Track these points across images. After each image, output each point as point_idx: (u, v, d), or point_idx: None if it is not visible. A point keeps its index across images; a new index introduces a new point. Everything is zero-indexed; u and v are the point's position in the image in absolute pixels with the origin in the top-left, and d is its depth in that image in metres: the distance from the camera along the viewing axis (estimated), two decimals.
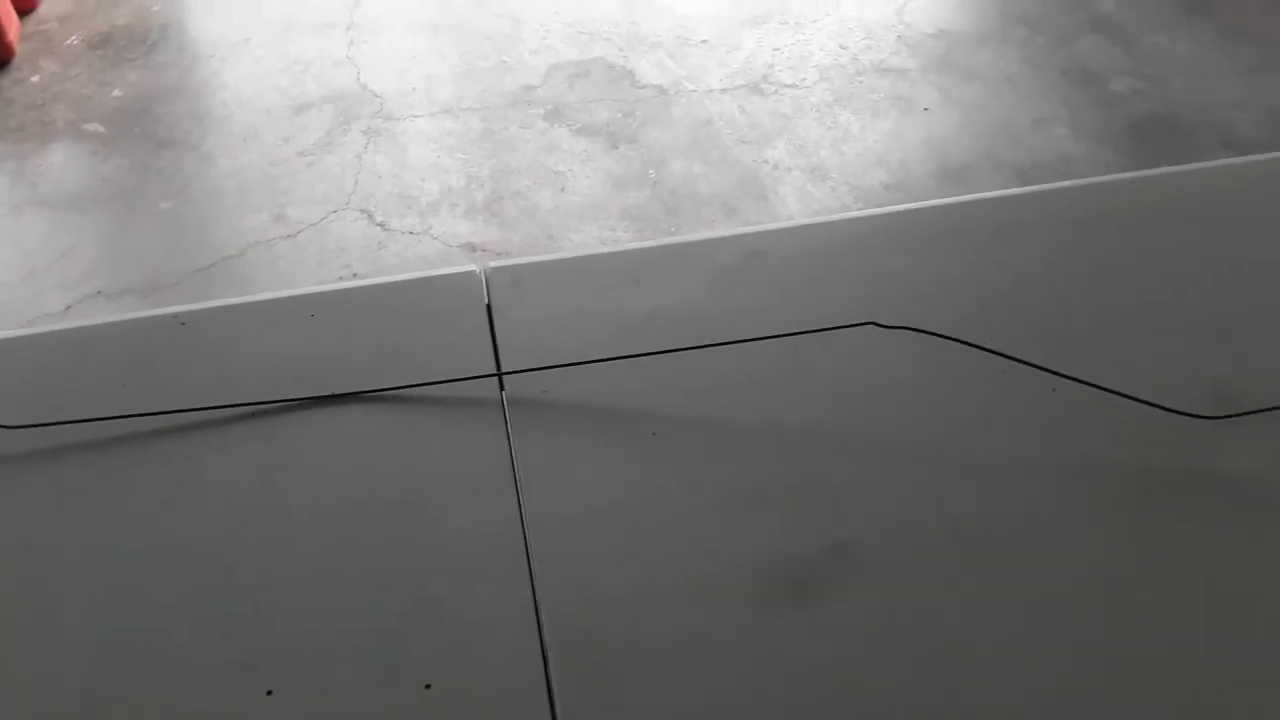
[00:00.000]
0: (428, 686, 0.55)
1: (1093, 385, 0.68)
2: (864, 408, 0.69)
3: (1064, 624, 0.57)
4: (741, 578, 0.60)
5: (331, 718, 0.54)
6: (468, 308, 0.76)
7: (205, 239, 2.34)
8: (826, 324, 0.72)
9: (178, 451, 0.66)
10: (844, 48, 2.84)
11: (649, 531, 0.62)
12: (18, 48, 2.91)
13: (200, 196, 2.47)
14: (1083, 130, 2.54)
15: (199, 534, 0.62)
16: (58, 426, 0.67)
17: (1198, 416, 0.66)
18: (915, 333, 0.71)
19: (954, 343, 0.70)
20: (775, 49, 2.85)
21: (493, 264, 0.79)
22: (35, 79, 2.83)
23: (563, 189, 2.43)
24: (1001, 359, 0.69)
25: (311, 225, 2.33)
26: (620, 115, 2.64)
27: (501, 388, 0.70)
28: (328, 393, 0.70)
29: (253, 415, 0.69)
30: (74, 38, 2.99)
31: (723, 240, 0.81)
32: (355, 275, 2.20)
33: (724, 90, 2.72)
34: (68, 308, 2.15)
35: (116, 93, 2.77)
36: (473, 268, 0.79)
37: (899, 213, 0.84)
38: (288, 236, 2.30)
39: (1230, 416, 0.66)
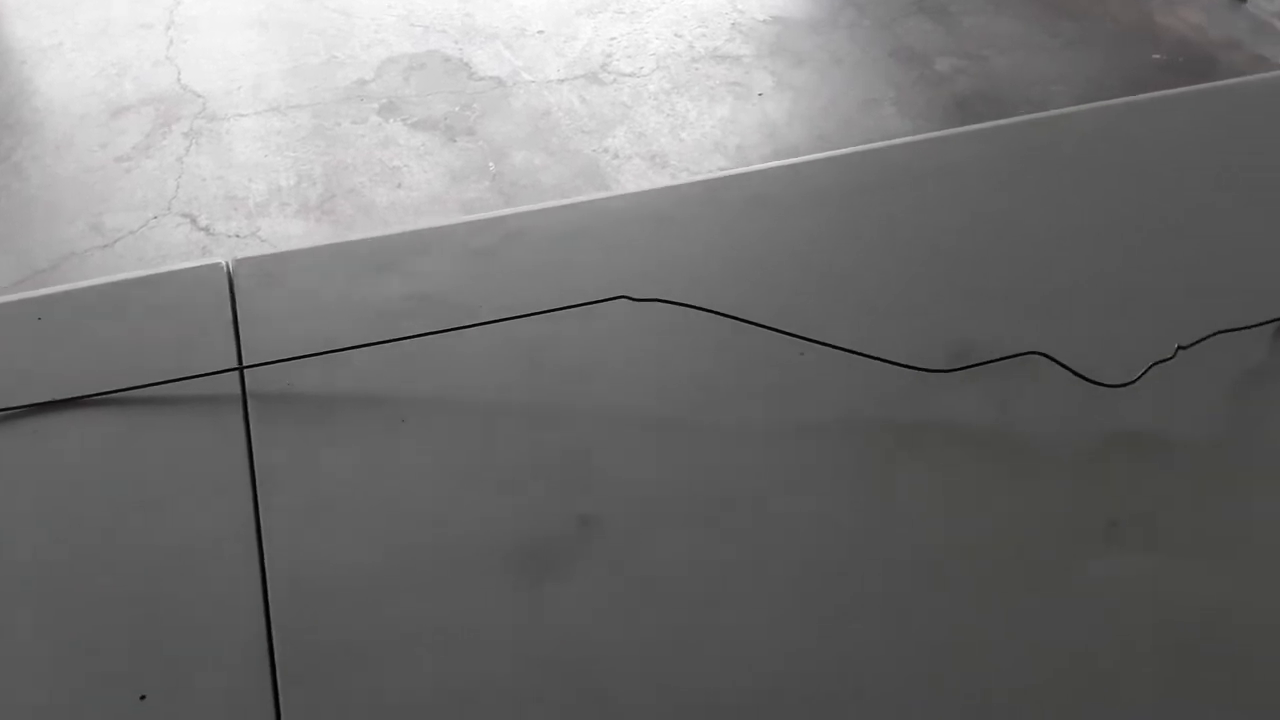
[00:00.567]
0: (142, 697, 0.52)
1: (837, 348, 0.69)
2: (615, 380, 0.69)
3: (805, 571, 0.59)
4: (486, 558, 0.59)
5: None
6: (211, 303, 0.73)
7: (15, 253, 2.21)
8: (579, 300, 0.71)
9: None
10: (679, 36, 2.87)
11: (394, 519, 0.61)
12: None
13: (10, 209, 2.33)
14: (909, 109, 2.62)
15: None
16: None
17: (932, 370, 0.68)
18: (666, 304, 0.71)
19: (704, 312, 0.70)
20: (612, 38, 2.86)
21: (238, 256, 0.76)
22: None
23: (399, 184, 2.38)
24: (750, 326, 0.70)
25: (130, 233, 2.22)
26: (458, 108, 2.61)
27: (242, 382, 0.68)
28: (49, 399, 0.66)
29: None
30: None
31: (481, 223, 0.80)
32: None
33: (562, 80, 2.71)
34: None
35: None
36: (219, 260, 0.76)
37: (655, 190, 0.84)
38: (104, 246, 2.19)
39: (961, 369, 0.68)
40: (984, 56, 2.80)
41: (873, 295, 0.75)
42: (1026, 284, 0.77)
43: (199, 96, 2.60)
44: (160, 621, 0.56)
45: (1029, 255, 0.79)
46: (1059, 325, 0.72)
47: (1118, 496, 0.63)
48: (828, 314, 0.72)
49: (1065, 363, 0.68)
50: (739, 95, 2.66)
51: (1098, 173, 0.86)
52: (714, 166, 2.45)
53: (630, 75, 2.73)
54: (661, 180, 2.42)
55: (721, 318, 0.70)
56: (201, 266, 0.76)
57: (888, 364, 0.68)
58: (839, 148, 0.92)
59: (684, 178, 2.40)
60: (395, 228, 0.79)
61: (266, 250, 0.78)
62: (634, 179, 2.42)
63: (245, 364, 0.68)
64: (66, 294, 0.74)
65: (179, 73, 2.67)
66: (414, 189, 2.37)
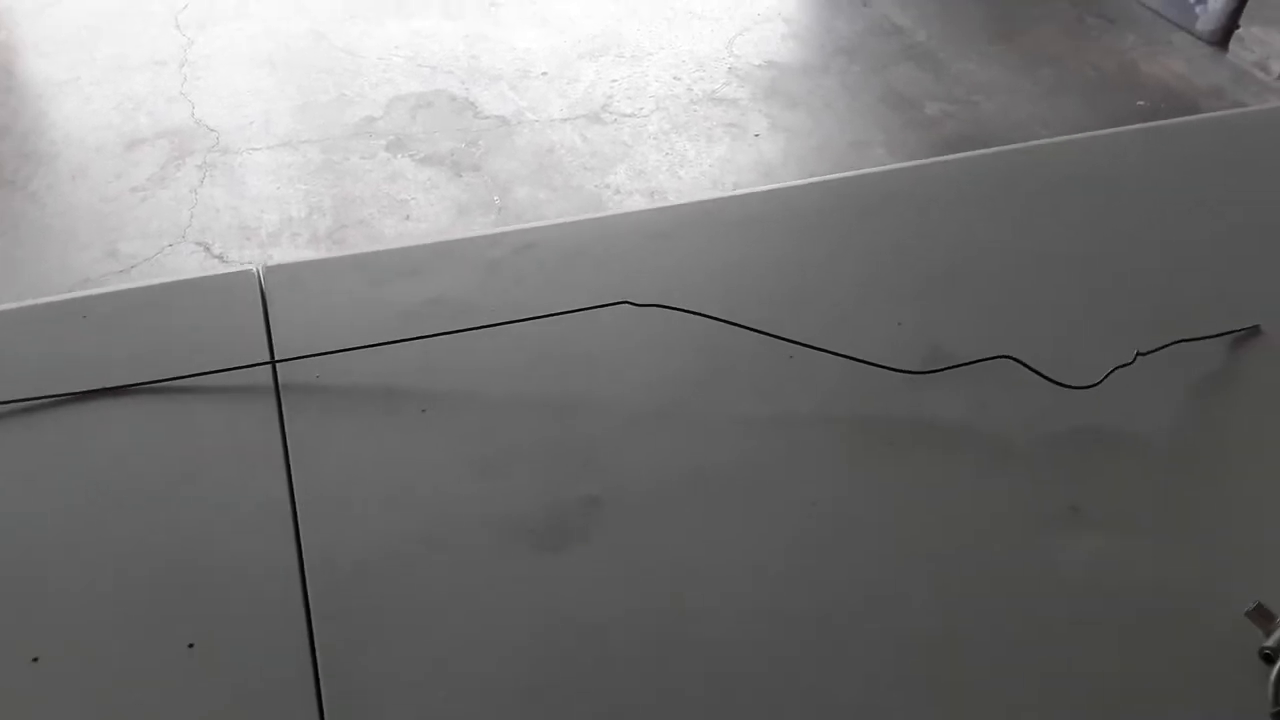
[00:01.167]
0: (190, 645, 0.58)
1: (822, 350, 0.75)
2: (616, 377, 0.75)
3: (789, 551, 0.64)
4: (500, 531, 0.64)
5: (97, 678, 0.56)
6: (244, 304, 0.79)
7: (32, 278, 2.27)
8: (585, 305, 0.77)
9: None
10: (678, 79, 2.96)
11: (415, 499, 0.66)
12: None
13: (28, 236, 2.39)
14: (899, 150, 2.71)
15: None
16: None
17: (908, 372, 0.74)
18: (665, 309, 0.77)
19: (700, 317, 0.76)
20: (613, 80, 2.95)
21: (268, 264, 0.82)
22: None
23: (407, 216, 2.46)
24: (744, 330, 0.76)
25: (146, 260, 2.28)
26: (464, 145, 2.69)
27: (275, 374, 0.73)
28: (99, 387, 0.71)
29: (24, 410, 0.70)
30: None
31: (494, 236, 0.86)
32: None
33: (565, 120, 2.80)
34: None
35: None
36: (250, 267, 0.82)
37: (655, 210, 0.91)
38: (120, 272, 2.25)
39: (934, 371, 0.74)
40: (972, 101, 2.90)
41: (855, 305, 0.81)
42: (998, 295, 0.83)
43: (212, 131, 2.68)
44: (205, 582, 0.61)
45: (1000, 269, 0.85)
46: (1028, 332, 0.78)
47: (1079, 484, 0.69)
48: (814, 321, 0.78)
49: (1033, 366, 0.74)
50: (735, 136, 2.75)
51: (1067, 197, 0.93)
52: None
53: (630, 116, 2.82)
54: None
55: (717, 322, 0.76)
56: (234, 272, 0.82)
57: (869, 365, 0.74)
58: None
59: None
60: (415, 243, 0.85)
61: (289, 260, 0.84)
62: None
63: (277, 359, 0.74)
64: (114, 294, 0.80)
65: (193, 108, 2.76)
66: (421, 220, 2.45)
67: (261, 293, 0.80)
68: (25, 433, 0.69)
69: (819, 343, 0.75)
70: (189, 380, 0.72)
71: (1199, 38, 3.11)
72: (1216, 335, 0.79)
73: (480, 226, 2.43)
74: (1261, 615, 0.59)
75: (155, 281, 0.80)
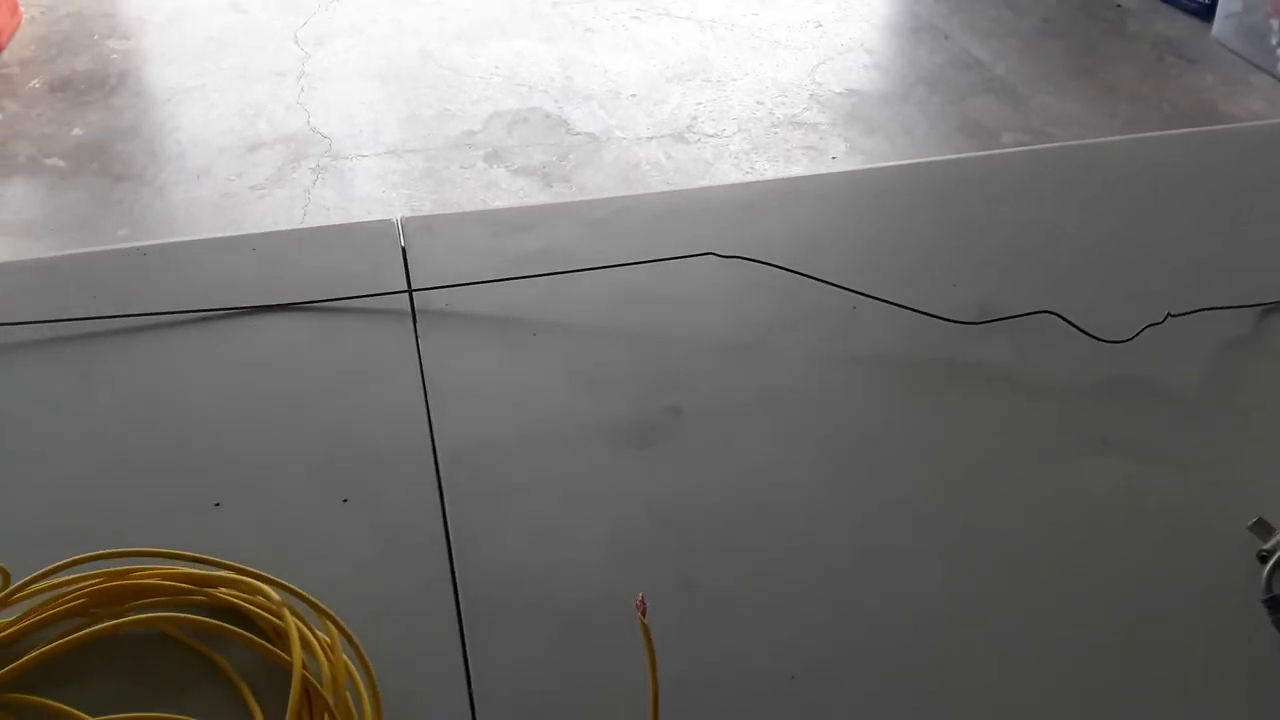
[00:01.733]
0: (345, 500, 0.70)
1: (885, 301, 0.86)
2: (700, 315, 0.86)
3: (842, 461, 0.74)
4: (597, 431, 0.76)
5: (268, 523, 0.68)
6: (386, 245, 0.92)
7: None
8: (676, 254, 0.89)
9: (140, 342, 0.81)
10: (761, 103, 3.09)
11: (526, 401, 0.78)
12: None
13: (154, 226, 2.60)
14: None
15: (161, 399, 0.77)
16: (33, 325, 0.81)
17: (959, 322, 0.84)
18: (746, 261, 0.88)
19: (777, 269, 0.87)
20: (698, 103, 3.09)
21: (406, 214, 0.95)
22: None
23: None
24: (815, 282, 0.87)
25: None
26: (555, 158, 2.84)
27: (411, 301, 0.86)
28: (267, 304, 0.85)
29: (204, 319, 0.84)
30: (36, 81, 3.13)
31: (597, 201, 0.98)
32: None
33: (651, 138, 2.94)
34: None
35: (77, 131, 2.91)
36: (391, 217, 0.96)
37: (741, 184, 1.02)
38: None
39: (982, 323, 0.84)
40: (1048, 133, 2.96)
41: (915, 269, 0.92)
42: (1046, 264, 0.92)
43: (325, 138, 2.88)
44: (357, 455, 0.73)
45: (1051, 243, 0.95)
46: (1070, 294, 0.87)
47: (1110, 422, 0.78)
48: (878, 280, 0.88)
49: (1073, 320, 0.83)
50: (813, 158, 2.86)
51: (1121, 187, 1.02)
52: None
53: (713, 136, 2.95)
54: None
55: (792, 274, 0.87)
56: (378, 220, 0.95)
57: (925, 315, 0.84)
58: None
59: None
60: (530, 203, 0.97)
61: (424, 213, 0.97)
62: None
63: (413, 288, 0.87)
64: (280, 233, 0.94)
65: (308, 116, 2.97)
66: None
67: (401, 236, 0.93)
68: (212, 336, 0.83)
69: (884, 296, 0.86)
70: (342, 301, 0.86)
71: (1279, 79, 3.13)
72: (1248, 306, 0.87)
73: None
74: (1262, 528, 0.67)
75: (314, 225, 0.94)
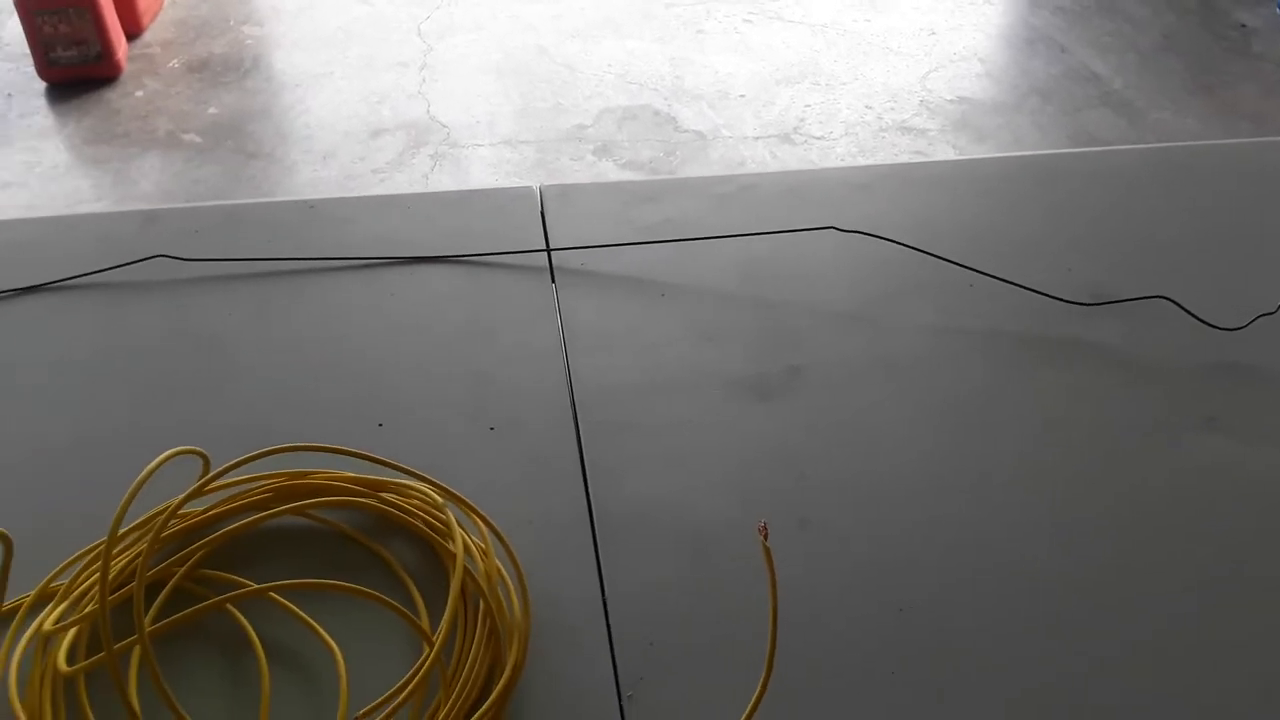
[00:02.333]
0: (492, 428, 0.77)
1: (1001, 279, 0.89)
2: (819, 284, 0.91)
3: (954, 425, 0.79)
4: (721, 383, 0.81)
5: (425, 443, 0.76)
6: (526, 209, 0.99)
7: None
8: (798, 227, 0.94)
9: (309, 283, 0.90)
10: (869, 108, 3.11)
11: (655, 353, 0.84)
12: (125, 66, 3.26)
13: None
14: None
15: (328, 332, 0.85)
16: (220, 262, 0.91)
17: (1072, 303, 0.87)
18: (866, 235, 0.93)
19: (896, 244, 0.92)
20: (807, 105, 3.12)
21: (546, 183, 1.03)
22: (140, 94, 3.17)
23: None
24: (932, 258, 0.91)
25: None
26: (662, 154, 2.91)
27: (550, 259, 0.93)
28: (421, 255, 0.93)
29: (364, 266, 0.92)
30: (175, 61, 3.34)
31: (722, 177, 1.04)
32: None
33: (758, 138, 2.99)
34: None
35: (212, 110, 3.09)
36: (531, 184, 1.03)
37: (861, 167, 1.06)
38: None
39: (1096, 304, 0.87)
40: None
41: (1032, 252, 0.95)
42: (1159, 247, 0.95)
43: (444, 127, 3.00)
44: (502, 391, 0.80)
45: (1161, 227, 0.97)
46: (1184, 281, 0.90)
47: (1217, 401, 0.80)
48: (994, 260, 0.92)
49: (1186, 306, 0.86)
50: None
51: (1242, 187, 1.04)
52: None
53: (820, 138, 2.98)
54: None
55: (910, 250, 0.91)
56: (519, 186, 1.03)
57: (1040, 295, 0.88)
58: None
59: None
60: (658, 177, 1.03)
61: (563, 181, 1.05)
62: None
63: (551, 248, 0.94)
64: (430, 195, 1.02)
65: (429, 105, 3.10)
66: None
67: (540, 202, 1.00)
68: (372, 281, 0.91)
69: (1000, 274, 0.89)
70: (488, 256, 0.93)
71: None
72: None
73: None
74: None
75: (461, 188, 1.02)
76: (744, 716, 0.57)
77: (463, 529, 0.66)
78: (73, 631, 0.59)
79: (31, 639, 0.59)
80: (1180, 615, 0.66)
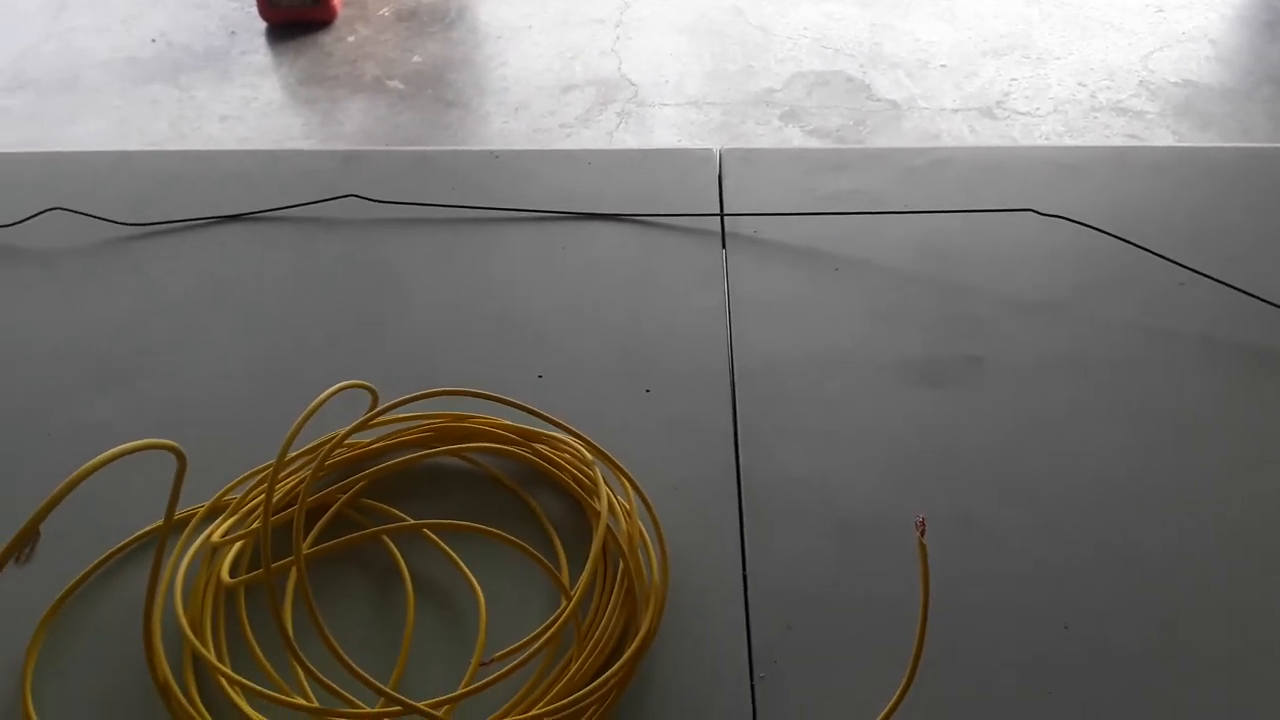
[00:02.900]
0: (648, 390, 0.76)
1: (1217, 280, 0.81)
2: (1011, 270, 0.85)
3: (1146, 434, 0.72)
4: (891, 365, 0.78)
5: (581, 398, 0.76)
6: (704, 172, 0.97)
7: None
8: (993, 207, 0.88)
9: (487, 232, 0.91)
10: (1083, 85, 2.90)
11: (824, 328, 0.81)
12: (340, 12, 3.42)
13: (473, 148, 2.84)
14: None
15: (496, 281, 0.86)
16: (406, 205, 0.93)
17: None
18: (1067, 221, 0.86)
19: (1100, 233, 0.85)
20: (1013, 79, 2.95)
21: (725, 146, 1.00)
22: (351, 39, 3.32)
23: None
24: (1140, 250, 0.83)
25: None
26: (851, 123, 2.82)
27: (722, 224, 0.91)
28: (596, 212, 0.93)
29: (540, 219, 0.93)
30: (385, 9, 3.47)
31: (916, 150, 0.99)
32: None
33: (956, 110, 2.85)
34: None
35: (416, 59, 3.21)
36: (711, 147, 1.01)
37: (1066, 147, 0.98)
38: None
39: None
40: None
41: (1252, 249, 0.86)
42: None
43: (633, 85, 3.01)
44: (661, 352, 0.79)
45: None
46: None
47: None
48: (1209, 256, 0.83)
49: None
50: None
51: None
52: None
53: (1024, 114, 2.81)
54: None
55: (1116, 240, 0.84)
56: (699, 148, 1.01)
57: (1262, 301, 0.79)
58: None
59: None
60: (847, 146, 0.99)
61: (744, 145, 1.02)
62: None
63: (725, 212, 0.92)
64: (611, 152, 1.01)
65: (620, 63, 3.11)
66: None
67: (719, 165, 0.98)
68: (545, 234, 0.91)
69: (1212, 273, 0.81)
70: (661, 217, 0.92)
71: None
72: None
73: None
74: None
75: (642, 148, 1.00)
76: (881, 718, 0.54)
77: (609, 488, 0.65)
78: (237, 546, 0.62)
79: (200, 549, 0.62)
80: None
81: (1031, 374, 0.76)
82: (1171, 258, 0.82)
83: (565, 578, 0.63)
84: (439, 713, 0.53)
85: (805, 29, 3.24)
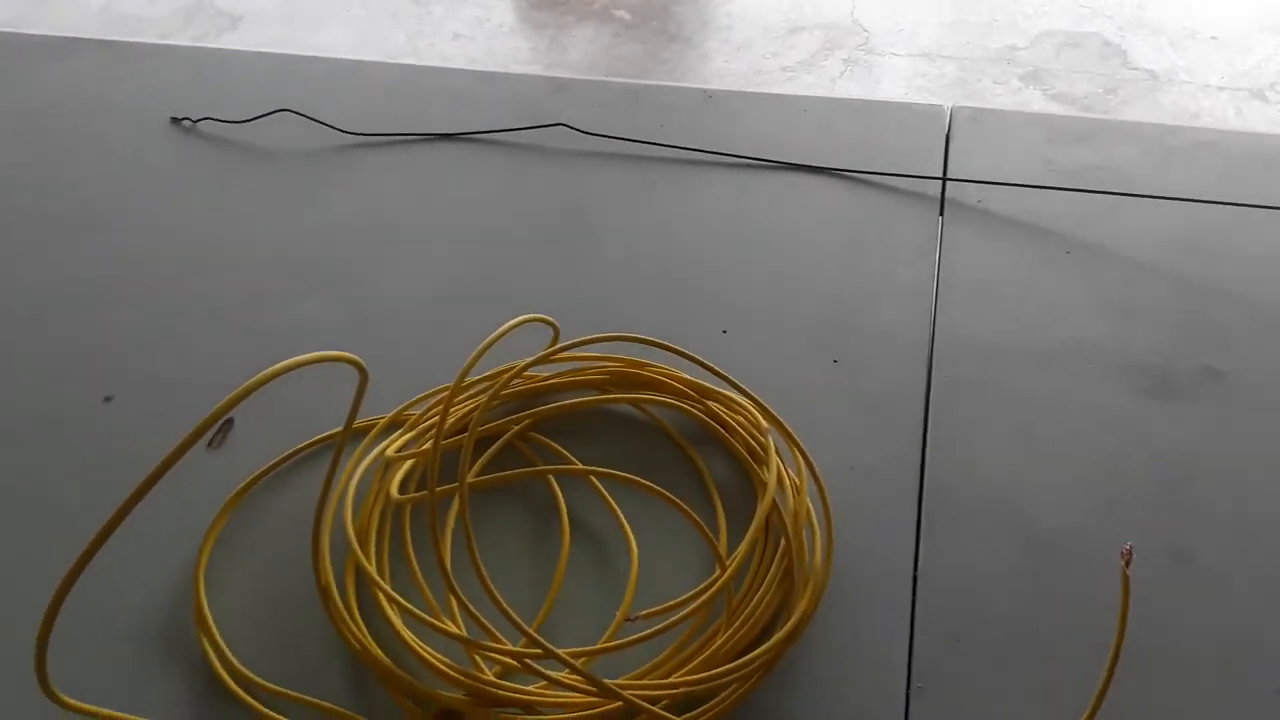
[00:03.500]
0: (835, 361, 0.72)
1: None
2: (1272, 274, 0.74)
3: None
4: (1116, 368, 0.70)
5: (763, 360, 0.72)
6: (930, 130, 0.90)
7: None
8: (1263, 204, 0.77)
9: (689, 174, 0.88)
10: None
11: (1043, 317, 0.74)
12: None
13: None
14: None
15: (683, 225, 0.83)
16: (612, 139, 0.91)
17: None
18: None
19: None
20: None
21: (956, 104, 0.92)
22: None
23: None
24: None
25: None
26: (1101, 90, 2.59)
27: (943, 189, 0.84)
28: (805, 164, 0.88)
29: (745, 166, 0.89)
30: None
31: (1176, 129, 0.87)
32: None
33: (1222, 88, 2.56)
34: None
35: None
36: (942, 104, 0.93)
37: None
38: None
39: None
40: None
41: None
42: None
43: (864, 31, 2.87)
44: (854, 323, 0.74)
45: None
46: None
47: None
48: None
49: None
50: None
51: None
52: None
53: None
54: None
55: None
56: (929, 104, 0.93)
57: None
58: None
59: None
60: (1096, 115, 0.89)
61: (976, 104, 0.94)
62: None
63: (949, 176, 0.85)
64: (834, 100, 0.96)
65: (854, 7, 2.97)
66: None
67: (948, 124, 0.91)
68: (745, 182, 0.88)
69: None
70: (875, 175, 0.86)
71: None
72: None
73: None
74: None
75: (866, 98, 0.94)
76: None
77: (780, 459, 0.62)
78: (408, 464, 0.63)
79: (374, 462, 0.63)
80: None
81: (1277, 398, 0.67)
82: None
83: (723, 546, 0.60)
84: (578, 662, 0.52)
85: None
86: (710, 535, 0.59)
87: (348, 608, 0.57)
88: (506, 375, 0.63)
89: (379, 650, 0.54)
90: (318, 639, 0.56)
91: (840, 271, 0.79)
